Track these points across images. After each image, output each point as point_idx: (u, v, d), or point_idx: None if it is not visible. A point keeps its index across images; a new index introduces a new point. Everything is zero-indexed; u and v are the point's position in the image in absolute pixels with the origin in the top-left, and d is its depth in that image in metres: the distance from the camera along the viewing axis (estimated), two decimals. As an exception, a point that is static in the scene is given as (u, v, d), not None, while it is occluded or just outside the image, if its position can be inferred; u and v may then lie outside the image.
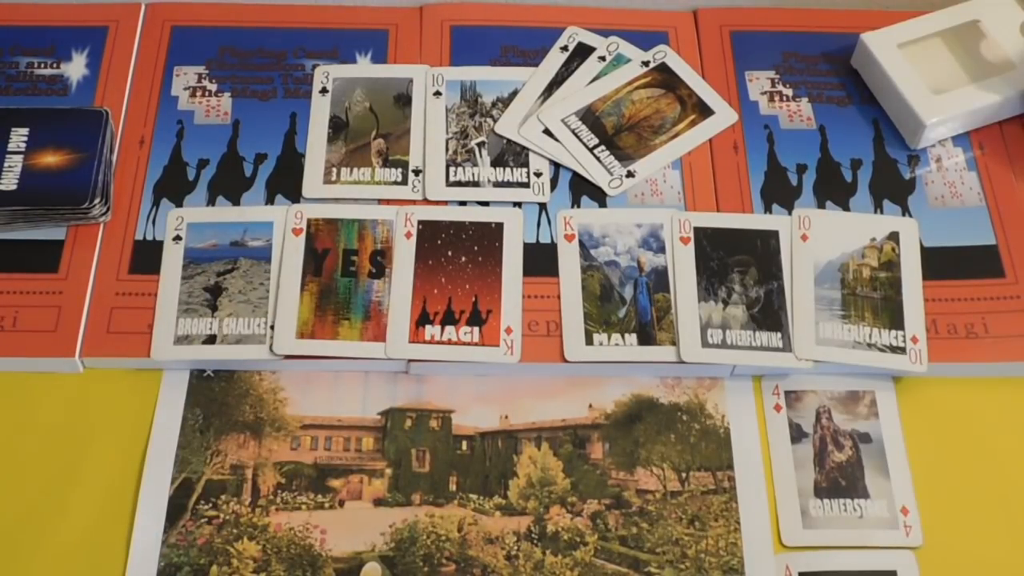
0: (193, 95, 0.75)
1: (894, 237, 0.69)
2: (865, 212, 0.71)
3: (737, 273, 0.67)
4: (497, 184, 0.72)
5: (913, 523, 0.61)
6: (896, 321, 0.66)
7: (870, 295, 0.67)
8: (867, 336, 0.65)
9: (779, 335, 0.65)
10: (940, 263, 0.69)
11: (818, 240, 0.69)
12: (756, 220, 0.70)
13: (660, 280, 0.68)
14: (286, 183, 0.72)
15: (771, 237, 0.69)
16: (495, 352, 0.65)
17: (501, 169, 0.73)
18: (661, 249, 0.69)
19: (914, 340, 0.65)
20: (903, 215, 0.71)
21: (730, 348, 0.65)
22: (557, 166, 0.73)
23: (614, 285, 0.68)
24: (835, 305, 0.66)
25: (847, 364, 0.65)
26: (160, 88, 0.76)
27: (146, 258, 0.68)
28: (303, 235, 0.69)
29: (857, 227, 0.69)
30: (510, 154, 0.73)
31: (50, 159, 0.70)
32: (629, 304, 0.67)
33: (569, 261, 0.69)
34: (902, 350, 0.65)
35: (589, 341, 0.65)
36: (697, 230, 0.69)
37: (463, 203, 0.71)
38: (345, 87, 0.76)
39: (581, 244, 0.69)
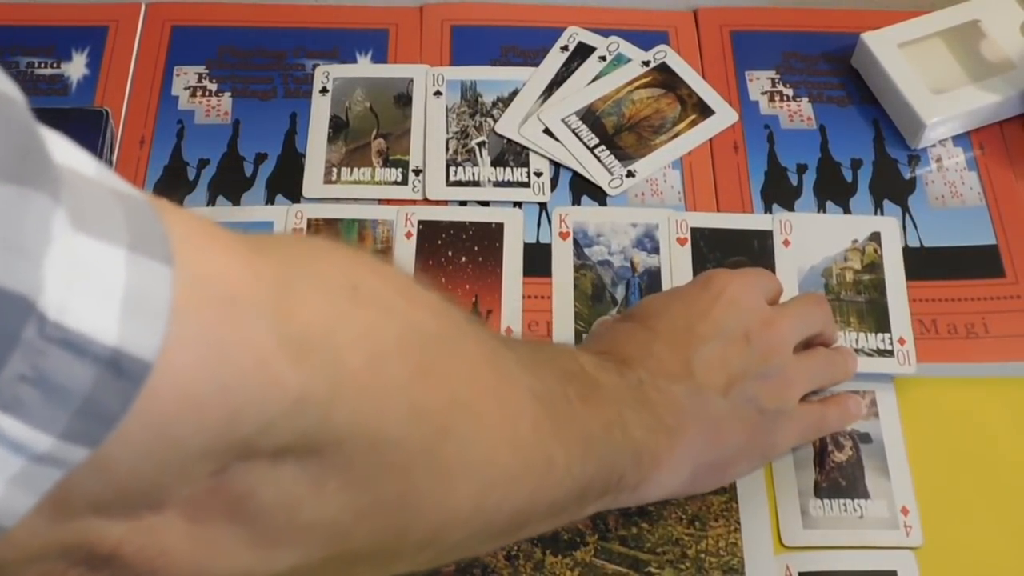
0: (193, 95, 0.75)
1: (875, 238, 0.69)
2: (865, 212, 0.71)
3: (736, 274, 0.67)
4: (497, 184, 0.72)
5: (913, 523, 0.61)
6: (882, 324, 0.66)
7: (855, 299, 0.66)
8: (853, 341, 0.65)
9: (779, 335, 0.65)
10: (940, 263, 0.69)
11: (800, 245, 0.68)
12: (753, 220, 0.70)
13: (653, 281, 0.68)
14: (286, 183, 0.72)
15: (767, 237, 0.69)
16: (495, 352, 0.65)
17: (501, 169, 0.73)
18: (655, 249, 0.69)
19: (901, 342, 0.65)
20: (903, 215, 0.71)
21: (730, 348, 0.65)
22: (557, 166, 0.73)
23: (606, 285, 0.68)
24: (820, 311, 0.66)
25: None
26: (160, 88, 0.76)
27: (146, 258, 0.68)
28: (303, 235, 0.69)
29: (838, 230, 0.69)
30: (510, 154, 0.73)
31: (50, 159, 0.69)
32: (620, 305, 0.67)
33: (562, 260, 0.68)
34: (890, 353, 0.65)
35: (579, 342, 0.65)
36: (694, 231, 0.69)
37: (463, 203, 0.71)
38: (345, 87, 0.76)
39: (575, 243, 0.69)
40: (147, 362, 0.27)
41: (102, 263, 0.27)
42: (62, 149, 0.28)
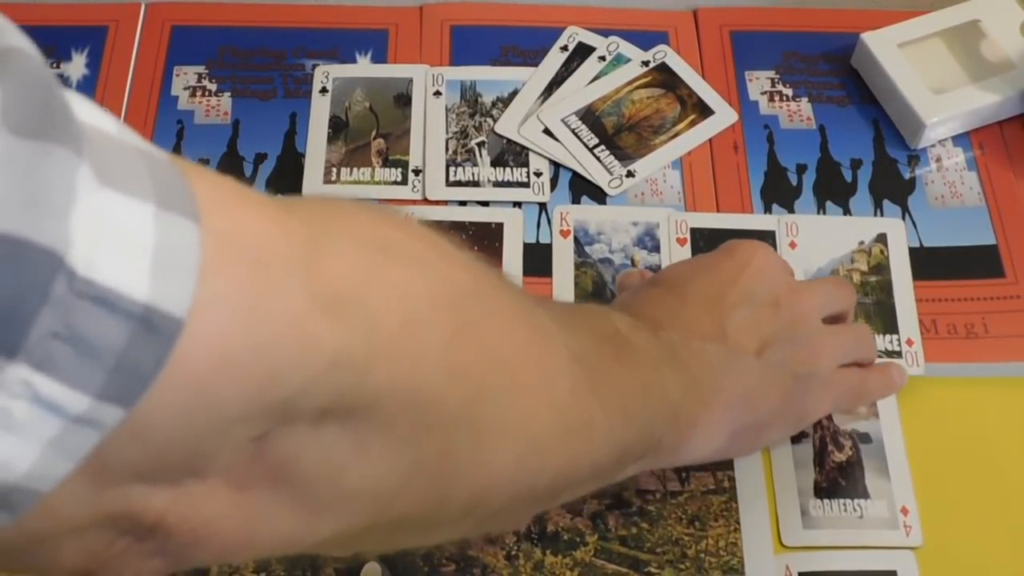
0: (193, 95, 0.75)
1: (882, 239, 0.69)
2: (865, 212, 0.71)
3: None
4: (497, 184, 0.72)
5: (913, 523, 0.61)
6: (890, 325, 0.66)
7: (862, 300, 0.66)
8: None
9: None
10: (940, 263, 0.69)
11: (807, 247, 0.68)
12: (753, 220, 0.70)
13: (656, 280, 0.68)
14: (286, 183, 0.72)
15: (767, 237, 0.69)
16: (495, 352, 0.65)
17: (501, 169, 0.73)
18: (656, 248, 0.69)
19: (909, 343, 0.65)
20: (903, 215, 0.71)
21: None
22: (557, 166, 0.73)
23: (607, 283, 0.68)
24: (828, 314, 0.66)
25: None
26: (160, 88, 0.76)
27: (146, 258, 0.68)
28: (303, 235, 0.69)
29: (844, 231, 0.69)
30: (510, 154, 0.73)
31: (50, 159, 0.69)
32: (622, 304, 0.67)
33: (563, 258, 0.68)
34: (898, 354, 0.65)
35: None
36: (694, 231, 0.69)
37: (463, 203, 0.71)
38: (345, 87, 0.76)
39: (576, 240, 0.69)
40: (179, 319, 0.27)
41: (130, 218, 0.26)
42: (82, 106, 0.28)
